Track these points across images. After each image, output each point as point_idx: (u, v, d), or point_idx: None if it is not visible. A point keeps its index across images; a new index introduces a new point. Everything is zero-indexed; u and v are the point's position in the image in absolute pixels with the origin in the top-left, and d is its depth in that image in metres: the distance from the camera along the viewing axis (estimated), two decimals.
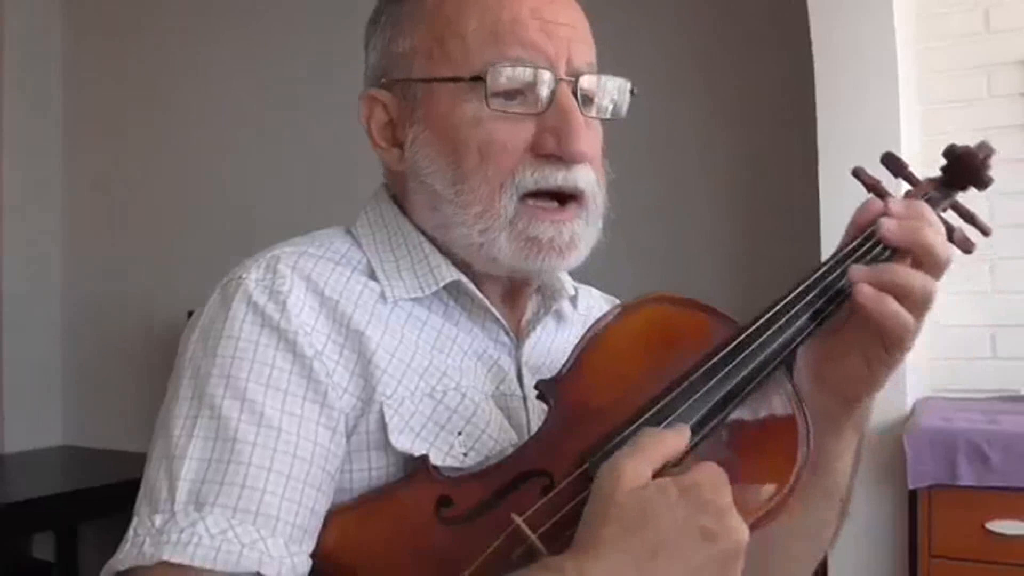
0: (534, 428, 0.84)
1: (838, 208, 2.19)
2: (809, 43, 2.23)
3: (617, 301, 1.07)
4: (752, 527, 0.70)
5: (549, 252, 0.82)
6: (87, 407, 3.75)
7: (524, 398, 0.86)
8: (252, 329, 0.76)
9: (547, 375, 0.88)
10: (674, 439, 0.70)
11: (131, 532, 0.71)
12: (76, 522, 3.27)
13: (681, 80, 2.68)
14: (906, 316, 0.76)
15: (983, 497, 1.85)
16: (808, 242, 2.24)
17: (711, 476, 0.67)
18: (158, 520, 0.69)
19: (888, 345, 0.78)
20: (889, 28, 2.19)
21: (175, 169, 3.59)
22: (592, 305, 1.02)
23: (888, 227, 0.79)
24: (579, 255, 0.85)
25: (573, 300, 0.97)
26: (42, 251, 3.76)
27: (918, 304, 0.76)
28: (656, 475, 0.67)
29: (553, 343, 0.93)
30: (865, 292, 0.76)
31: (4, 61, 3.62)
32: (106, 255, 3.74)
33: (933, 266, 0.78)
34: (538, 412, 0.84)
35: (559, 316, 0.95)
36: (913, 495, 1.93)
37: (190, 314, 3.08)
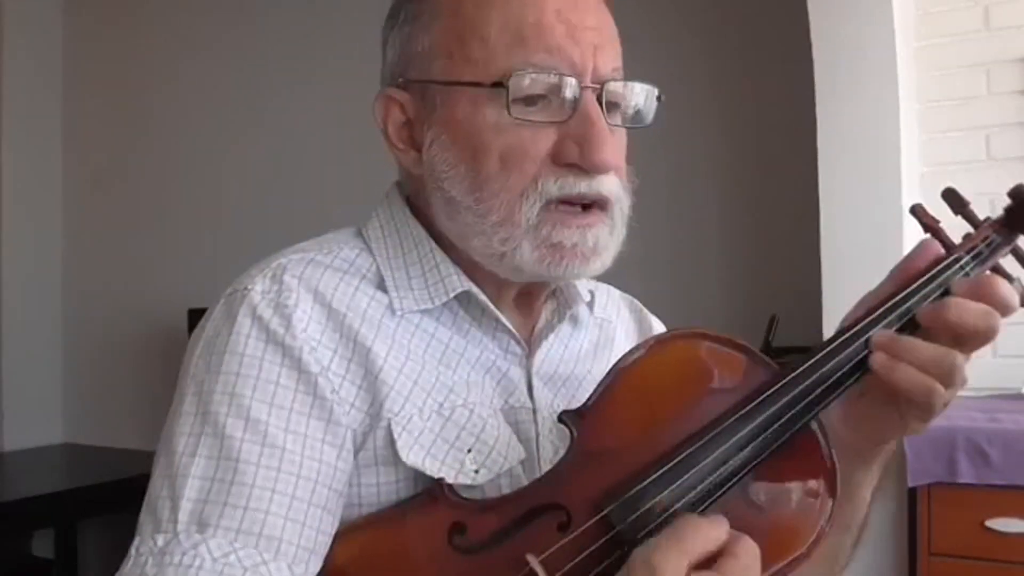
0: (543, 443, 0.82)
1: (838, 207, 2.19)
2: (809, 43, 2.23)
3: (635, 300, 1.05)
4: (775, 575, 0.69)
5: (572, 259, 0.79)
6: (87, 405, 3.75)
7: (534, 410, 0.84)
8: (257, 345, 0.75)
9: (559, 384, 0.87)
10: (715, 531, 0.66)
11: (134, 551, 0.70)
12: (76, 520, 3.27)
13: (681, 78, 2.67)
14: (926, 384, 0.74)
15: (983, 495, 1.85)
16: (808, 241, 2.24)
17: (745, 572, 0.65)
18: (160, 540, 0.69)
19: (917, 408, 0.77)
20: (889, 26, 2.19)
21: (175, 168, 3.59)
22: (609, 307, 1.00)
23: (924, 315, 0.77)
24: (603, 263, 0.82)
25: (589, 304, 0.94)
26: (42, 250, 3.76)
27: (943, 379, 0.74)
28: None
29: (567, 350, 0.90)
30: (879, 360, 0.74)
31: (4, 60, 3.62)
32: (106, 254, 3.73)
33: (975, 341, 0.76)
34: (548, 426, 0.83)
35: (574, 320, 0.92)
36: (913, 493, 1.93)
37: (190, 312, 3.08)
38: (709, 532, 0.66)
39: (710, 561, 0.65)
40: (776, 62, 2.59)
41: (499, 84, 0.77)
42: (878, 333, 0.76)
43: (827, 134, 2.21)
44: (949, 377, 0.74)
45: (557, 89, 0.78)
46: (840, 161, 2.20)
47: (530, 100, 0.78)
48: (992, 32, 2.32)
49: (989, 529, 1.83)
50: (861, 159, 2.18)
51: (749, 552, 0.66)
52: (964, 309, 0.75)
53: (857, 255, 2.09)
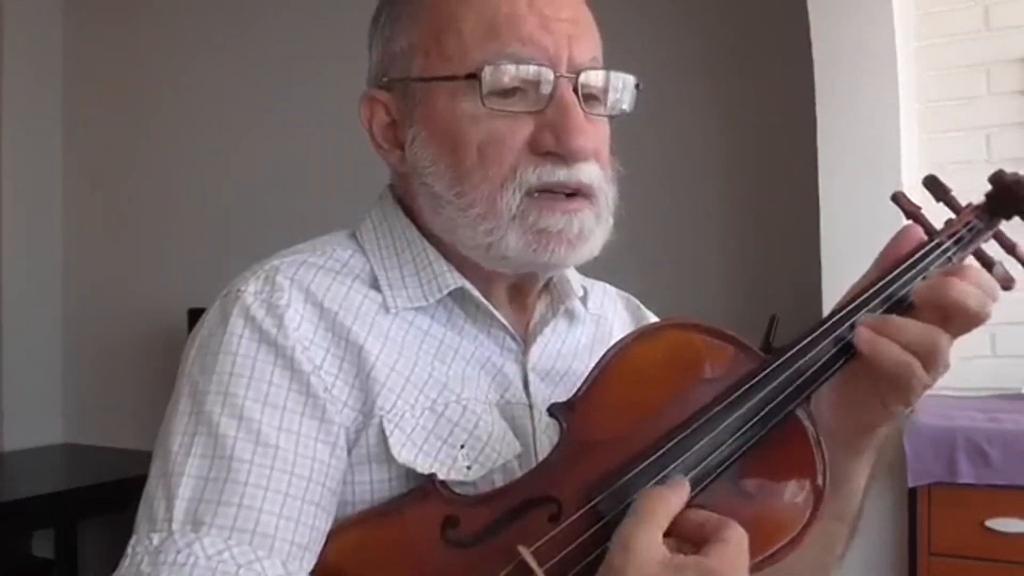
0: (540, 437, 0.83)
1: (838, 207, 2.19)
2: (809, 43, 2.23)
3: (631, 297, 1.06)
4: (764, 562, 0.70)
5: (558, 244, 0.80)
6: (87, 405, 3.75)
7: (530, 405, 0.84)
8: (250, 345, 0.76)
9: (556, 380, 0.88)
10: (675, 496, 0.68)
11: (130, 549, 0.70)
12: (76, 520, 3.27)
13: (680, 78, 2.67)
14: (907, 362, 0.74)
15: (982, 495, 1.85)
16: (808, 240, 2.24)
17: (731, 560, 0.66)
18: (156, 539, 0.69)
19: (896, 389, 0.77)
20: (889, 26, 2.19)
21: (176, 168, 3.59)
22: (605, 303, 1.00)
23: (920, 292, 0.77)
24: (590, 249, 0.83)
25: (583, 299, 0.95)
26: (42, 250, 3.76)
27: (925, 359, 0.75)
28: (668, 532, 0.66)
29: (563, 345, 0.91)
30: (863, 336, 0.75)
31: (4, 60, 3.62)
32: (106, 254, 3.73)
33: (964, 324, 0.76)
34: (544, 421, 0.83)
35: (570, 316, 0.93)
36: (913, 493, 1.93)
37: (190, 312, 3.08)
38: (667, 496, 0.68)
39: (698, 545, 0.67)
40: (776, 62, 2.59)
41: (473, 76, 0.79)
42: (862, 316, 0.77)
43: (827, 134, 2.21)
44: (931, 356, 0.75)
45: (532, 80, 0.79)
46: (840, 161, 2.20)
47: (507, 92, 0.79)
48: (992, 32, 2.32)
49: (989, 529, 1.83)
50: (861, 159, 2.18)
51: (736, 538, 0.67)
52: (965, 289, 0.75)
53: (857, 255, 2.07)
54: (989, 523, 1.83)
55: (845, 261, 2.12)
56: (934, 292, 0.76)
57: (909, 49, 2.32)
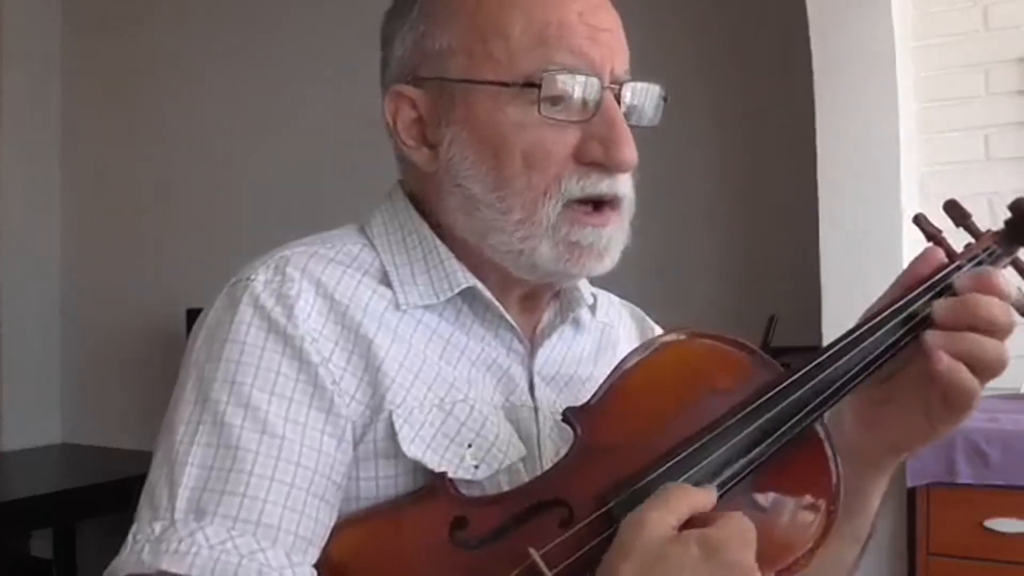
0: (544, 441, 0.83)
1: (837, 207, 2.19)
2: (808, 42, 2.23)
3: (636, 308, 1.05)
4: None
5: (589, 257, 0.81)
6: (86, 405, 3.75)
7: (535, 409, 0.84)
8: (258, 334, 0.75)
9: (561, 385, 0.88)
10: (702, 496, 0.68)
11: (131, 538, 0.70)
12: (74, 520, 3.27)
13: (680, 78, 2.67)
14: (975, 384, 0.75)
15: (981, 495, 1.85)
16: (807, 240, 2.24)
17: (737, 533, 0.66)
18: (158, 527, 0.69)
19: (955, 409, 0.77)
20: (888, 26, 2.19)
21: (175, 168, 3.59)
22: (611, 312, 1.00)
23: (942, 309, 0.77)
24: (613, 259, 0.83)
25: (592, 308, 0.95)
26: (42, 250, 3.76)
27: (990, 373, 0.75)
28: (682, 528, 0.66)
29: (569, 351, 0.91)
30: (943, 361, 0.74)
31: (3, 60, 3.62)
32: (105, 254, 3.73)
33: (997, 335, 0.76)
34: (549, 424, 0.83)
35: (577, 323, 0.93)
36: (912, 493, 1.93)
37: (189, 312, 3.08)
38: (694, 494, 0.68)
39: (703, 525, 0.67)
40: (775, 62, 2.59)
41: (530, 84, 0.78)
42: (930, 333, 0.76)
43: (827, 134, 2.21)
44: (994, 372, 0.76)
45: (581, 89, 0.79)
46: (840, 161, 2.20)
47: (553, 100, 0.79)
48: (991, 32, 2.32)
49: (988, 529, 1.83)
50: (861, 159, 2.18)
51: (740, 527, 0.66)
52: (991, 302, 0.76)
53: (856, 255, 2.09)
54: (988, 523, 1.83)
55: (844, 262, 2.13)
56: (963, 309, 0.76)
57: (908, 49, 2.32)
